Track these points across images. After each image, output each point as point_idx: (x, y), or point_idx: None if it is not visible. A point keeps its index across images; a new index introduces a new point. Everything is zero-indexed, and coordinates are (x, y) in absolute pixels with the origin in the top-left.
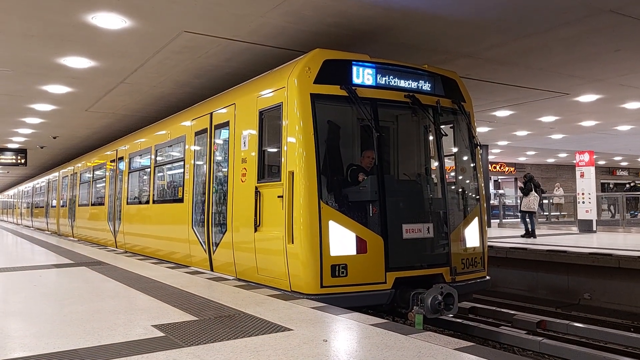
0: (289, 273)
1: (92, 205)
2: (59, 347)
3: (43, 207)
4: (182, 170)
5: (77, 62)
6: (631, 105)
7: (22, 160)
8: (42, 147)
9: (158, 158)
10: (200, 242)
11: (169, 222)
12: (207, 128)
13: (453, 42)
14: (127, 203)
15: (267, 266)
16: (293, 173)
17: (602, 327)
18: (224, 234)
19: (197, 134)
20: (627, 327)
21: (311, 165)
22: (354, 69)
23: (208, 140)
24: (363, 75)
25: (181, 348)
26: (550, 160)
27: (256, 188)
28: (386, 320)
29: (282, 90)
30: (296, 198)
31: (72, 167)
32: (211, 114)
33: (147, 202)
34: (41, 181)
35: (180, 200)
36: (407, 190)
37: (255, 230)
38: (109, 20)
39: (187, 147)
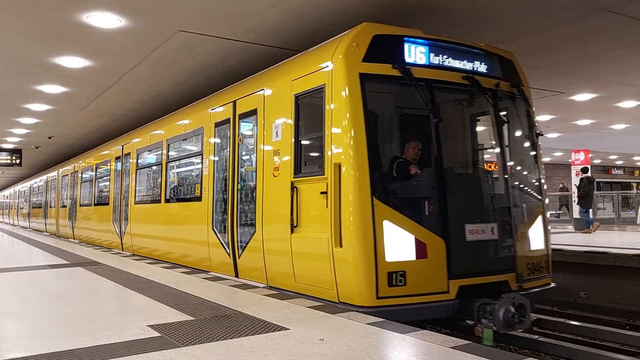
0: (337, 281)
1: (96, 205)
2: (54, 348)
3: (41, 207)
4: (199, 165)
5: (72, 61)
6: (626, 104)
7: (17, 161)
8: (37, 147)
9: (171, 153)
10: (222, 245)
11: (184, 223)
12: (229, 118)
13: None
14: (135, 202)
15: (308, 273)
16: (340, 165)
17: (599, 325)
18: (252, 235)
19: (217, 125)
20: (623, 325)
21: (362, 156)
22: (407, 45)
23: (231, 131)
24: (416, 53)
25: (177, 348)
26: (546, 159)
27: (292, 183)
28: (382, 320)
29: (325, 70)
30: (344, 194)
31: (73, 166)
32: (234, 102)
33: (158, 201)
34: (39, 180)
35: (198, 199)
36: (467, 185)
37: (292, 231)
38: (104, 19)
39: (205, 139)
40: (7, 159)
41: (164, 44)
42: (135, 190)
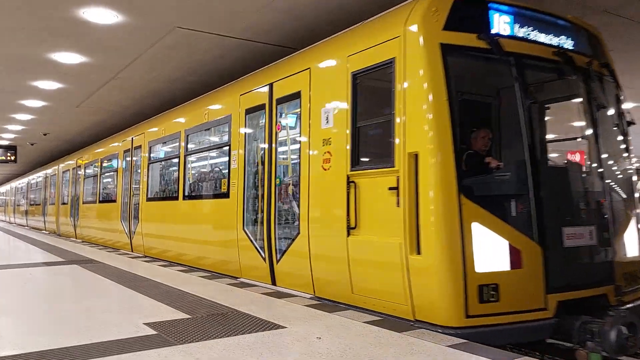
0: (412, 295)
1: (101, 202)
2: (50, 345)
3: (40, 204)
4: (225, 158)
5: (68, 57)
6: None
7: (12, 157)
8: (32, 144)
9: (190, 145)
10: (256, 248)
11: (207, 222)
12: (264, 104)
13: None
14: (148, 199)
15: (371, 283)
16: (417, 156)
17: None
18: (294, 238)
19: (248, 112)
20: None
21: (446, 144)
22: (492, 13)
23: (267, 118)
24: (500, 23)
25: (174, 346)
26: None
27: (348, 178)
28: (380, 318)
29: (395, 41)
30: (423, 190)
31: (75, 160)
32: (271, 85)
33: (175, 197)
34: (37, 176)
35: (225, 195)
36: (561, 180)
37: (349, 233)
38: (101, 15)
39: (233, 129)
40: (1, 156)
41: (161, 40)
42: (148, 186)
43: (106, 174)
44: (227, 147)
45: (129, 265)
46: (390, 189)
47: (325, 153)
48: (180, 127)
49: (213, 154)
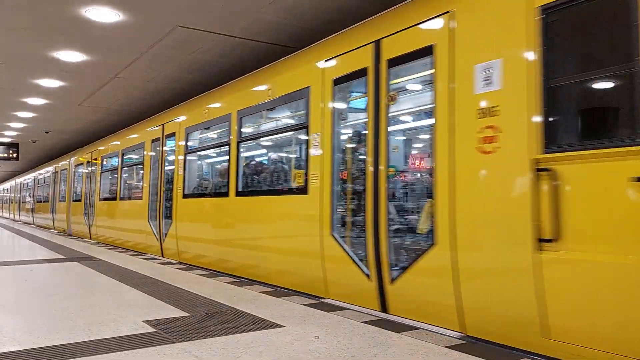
0: None
1: (122, 199)
2: (48, 342)
3: (47, 201)
4: (298, 146)
5: (70, 55)
6: None
7: (14, 155)
8: (34, 142)
9: (245, 129)
10: (353, 261)
11: (270, 223)
12: (365, 68)
13: None
14: (184, 196)
15: (595, 329)
16: None
17: None
18: (424, 249)
19: (338, 81)
20: None
21: None
22: None
23: (371, 86)
24: None
25: (172, 344)
26: None
27: (536, 164)
28: (378, 319)
29: None
30: None
31: (90, 153)
32: (377, 42)
33: (224, 194)
34: (45, 172)
35: (300, 191)
36: None
37: (540, 248)
38: (103, 14)
39: (313, 105)
40: (4, 153)
41: (162, 39)
42: (185, 180)
43: (129, 168)
44: (302, 130)
45: (128, 263)
46: (636, 179)
47: (484, 129)
48: (232, 109)
49: (280, 138)
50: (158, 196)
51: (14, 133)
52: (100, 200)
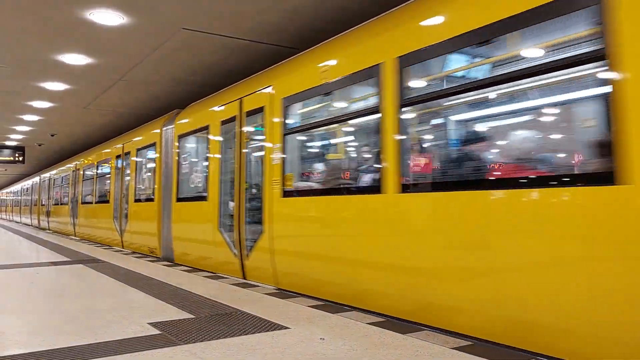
0: None
1: (181, 200)
2: (54, 345)
3: (67, 204)
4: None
5: (75, 58)
6: None
7: (20, 158)
8: (40, 145)
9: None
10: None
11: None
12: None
13: None
14: (284, 194)
15: None
16: None
17: None
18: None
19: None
20: None
21: None
22: None
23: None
24: None
25: (177, 346)
26: None
27: None
28: (384, 320)
29: None
30: None
31: (122, 145)
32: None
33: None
34: (63, 169)
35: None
36: None
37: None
38: (107, 17)
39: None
40: (10, 157)
41: (167, 42)
42: (284, 170)
43: (189, 159)
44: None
45: (134, 265)
46: None
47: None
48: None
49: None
50: (238, 196)
51: (19, 136)
52: (135, 201)
